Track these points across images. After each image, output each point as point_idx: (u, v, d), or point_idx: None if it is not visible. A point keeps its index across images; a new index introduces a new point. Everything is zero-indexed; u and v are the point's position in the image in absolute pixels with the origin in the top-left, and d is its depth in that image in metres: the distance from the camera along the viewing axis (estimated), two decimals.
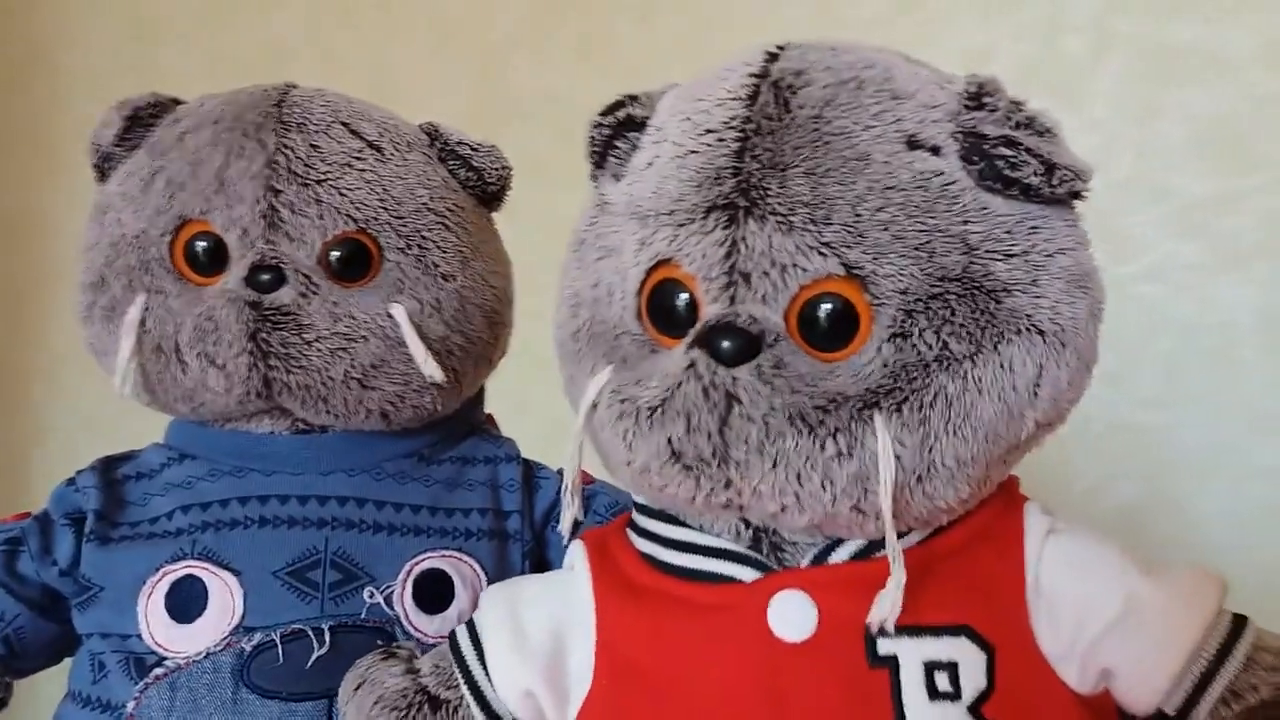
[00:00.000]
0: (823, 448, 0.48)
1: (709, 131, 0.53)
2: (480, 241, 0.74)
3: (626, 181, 0.57)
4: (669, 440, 0.50)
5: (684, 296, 0.53)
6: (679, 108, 0.55)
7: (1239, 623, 0.53)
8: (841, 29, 1.18)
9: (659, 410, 0.50)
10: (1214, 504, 1.10)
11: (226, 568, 0.66)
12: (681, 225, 0.53)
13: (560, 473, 0.76)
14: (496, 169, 0.74)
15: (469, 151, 0.74)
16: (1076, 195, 0.52)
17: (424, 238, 0.70)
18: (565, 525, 0.59)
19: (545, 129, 1.13)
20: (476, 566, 0.71)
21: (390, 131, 0.72)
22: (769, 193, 0.51)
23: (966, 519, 0.54)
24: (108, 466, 0.72)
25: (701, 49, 1.27)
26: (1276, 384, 1.08)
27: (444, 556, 0.70)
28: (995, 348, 0.50)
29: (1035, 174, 0.50)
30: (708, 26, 1.29)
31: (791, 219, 0.50)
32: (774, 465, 0.49)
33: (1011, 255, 0.51)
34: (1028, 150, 0.50)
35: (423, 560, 0.69)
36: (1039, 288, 0.51)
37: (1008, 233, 0.51)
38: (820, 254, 0.50)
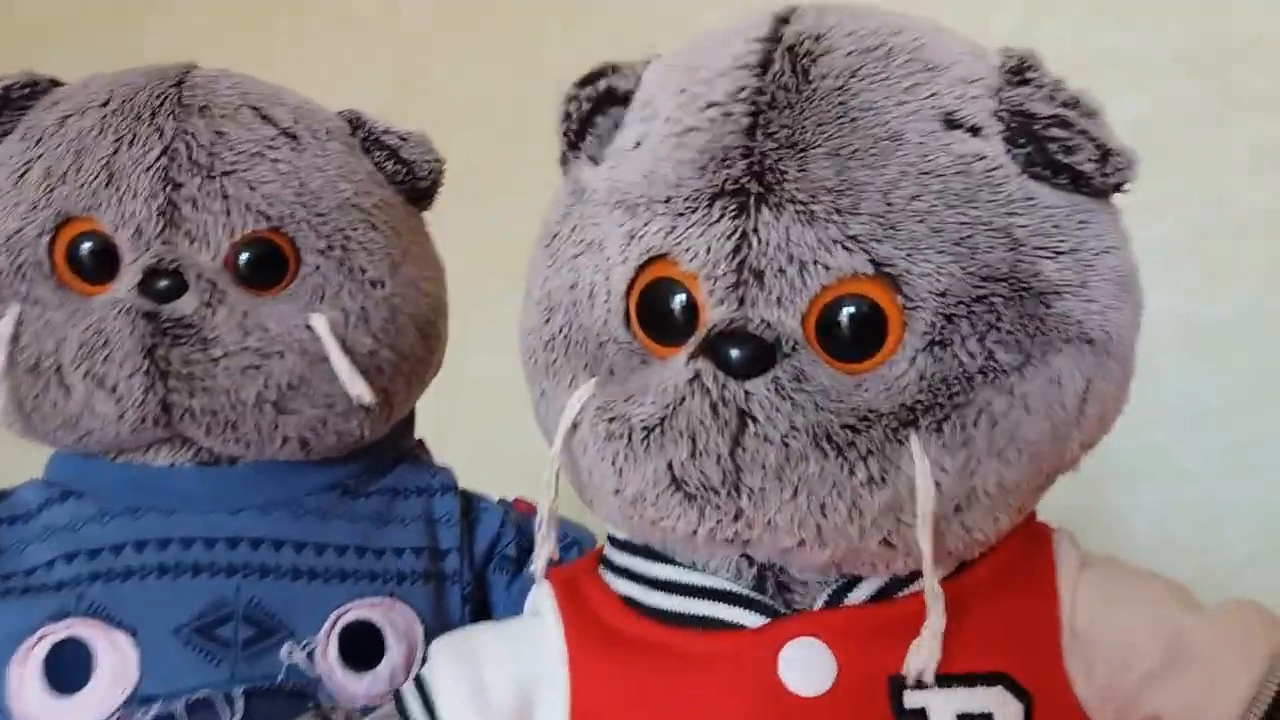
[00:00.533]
0: (852, 473, 0.42)
1: (712, 105, 0.45)
2: (411, 243, 0.65)
3: (608, 165, 0.49)
4: (669, 465, 0.43)
5: (682, 298, 0.46)
6: (672, 79, 0.48)
7: None
8: None
9: (657, 430, 0.43)
10: (1145, 509, 1.07)
11: (119, 626, 0.57)
12: (680, 214, 0.45)
13: (503, 503, 0.68)
14: (428, 162, 0.66)
15: (397, 142, 0.65)
16: (1120, 186, 0.46)
17: (347, 238, 0.61)
18: (539, 566, 0.51)
19: (466, 134, 1.06)
20: (411, 614, 0.62)
21: (307, 118, 0.63)
22: (787, 176, 0.43)
23: (993, 552, 0.48)
24: None
25: (629, 50, 1.20)
26: (1200, 388, 1.05)
27: (374, 605, 0.61)
28: (1044, 358, 0.44)
29: (1090, 159, 0.44)
30: (636, 25, 1.22)
31: (813, 207, 0.43)
32: (794, 494, 0.42)
33: (1060, 253, 0.44)
34: (1082, 133, 0.44)
35: (349, 610, 0.61)
36: (1089, 290, 0.45)
37: (1056, 227, 0.45)
38: (846, 249, 0.43)
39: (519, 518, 0.69)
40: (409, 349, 0.63)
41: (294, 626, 0.59)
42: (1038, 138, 0.44)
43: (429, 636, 0.62)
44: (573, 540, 0.68)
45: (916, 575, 0.46)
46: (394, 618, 0.61)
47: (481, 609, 0.66)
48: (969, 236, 0.43)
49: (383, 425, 0.64)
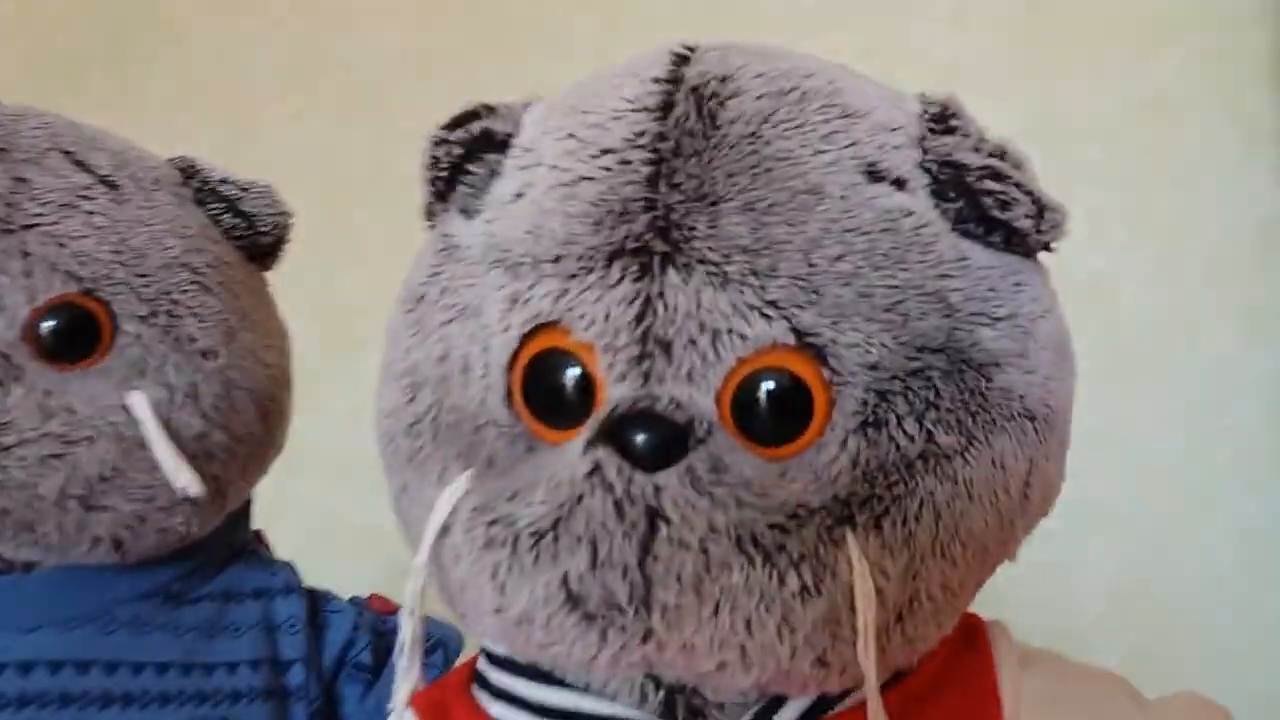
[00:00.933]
0: (783, 582, 0.35)
1: (606, 152, 0.40)
2: (250, 307, 0.57)
3: (484, 218, 0.42)
4: (564, 579, 0.35)
5: (575, 372, 0.39)
6: (557, 123, 0.42)
7: None
8: None
9: (549, 536, 0.36)
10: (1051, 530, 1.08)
11: None
12: (573, 276, 0.39)
13: (355, 602, 0.60)
14: (271, 215, 0.58)
15: (236, 193, 0.57)
16: (1050, 244, 0.42)
17: (175, 302, 0.53)
18: (401, 699, 0.43)
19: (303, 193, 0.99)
20: None
21: (131, 165, 0.55)
22: (696, 233, 0.38)
23: (929, 654, 0.42)
24: None
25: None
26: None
27: None
28: (988, 440, 0.39)
29: (1026, 215, 0.40)
30: (485, 87, 1.17)
31: (727, 269, 0.38)
32: (715, 610, 0.35)
33: (998, 319, 0.40)
34: (1017, 185, 0.40)
35: None
36: (1028, 360, 0.40)
37: (992, 290, 0.40)
38: (765, 316, 0.38)
39: (373, 619, 0.61)
40: (246, 429, 0.55)
41: None
42: (970, 191, 0.40)
43: None
44: (438, 641, 0.60)
45: (848, 691, 0.41)
46: None
47: None
48: (900, 302, 0.39)
49: (213, 519, 0.55)
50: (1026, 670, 0.45)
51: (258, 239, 0.59)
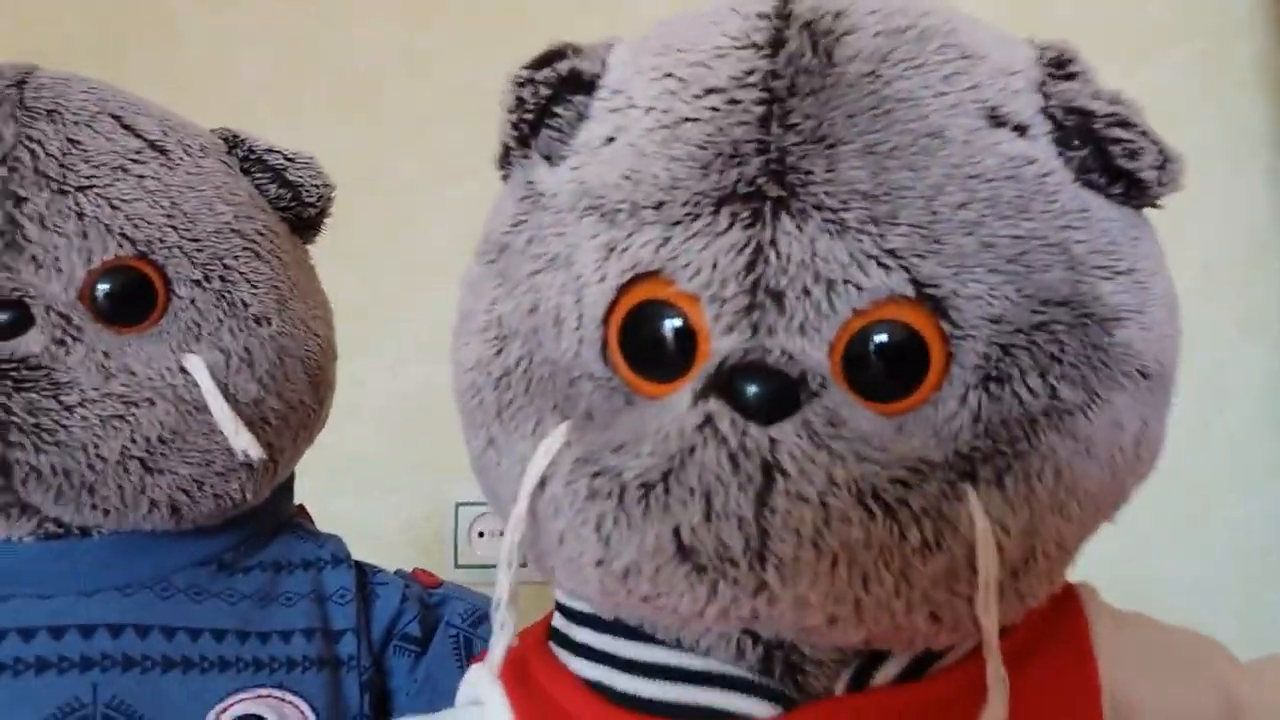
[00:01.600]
0: (904, 537, 0.34)
1: (712, 91, 0.38)
2: (298, 277, 0.57)
3: (571, 164, 0.41)
4: (676, 531, 0.34)
5: (676, 324, 0.38)
6: (650, 62, 0.40)
7: None
8: None
9: (659, 488, 0.35)
10: None
11: None
12: (677, 223, 0.38)
13: (401, 575, 0.60)
14: (316, 186, 0.58)
15: (282, 162, 0.57)
16: (1159, 200, 0.41)
17: (227, 267, 0.53)
18: (498, 654, 0.42)
19: None
20: (305, 708, 0.54)
21: (177, 131, 0.55)
22: (813, 177, 0.37)
23: (1027, 613, 0.41)
24: None
25: (475, 111, 1.16)
26: None
27: (261, 697, 0.52)
28: (1108, 396, 0.38)
29: (1152, 165, 0.39)
30: (477, 87, 1.17)
31: (844, 215, 0.36)
32: (834, 565, 0.34)
33: (1119, 273, 0.39)
34: (1144, 134, 0.39)
35: (233, 704, 0.52)
36: (1145, 316, 0.39)
37: (1113, 243, 0.39)
38: (882, 266, 0.36)
39: (420, 592, 0.61)
40: (298, 398, 0.55)
41: None
42: (1097, 139, 0.39)
43: None
44: (484, 614, 0.60)
45: (949, 648, 0.40)
46: (285, 711, 0.53)
47: (382, 697, 0.58)
48: (1024, 253, 0.37)
49: (267, 487, 0.55)
50: (1120, 630, 0.44)
51: (302, 210, 0.58)
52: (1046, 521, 0.37)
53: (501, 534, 1.00)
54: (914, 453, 0.35)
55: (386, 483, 1.08)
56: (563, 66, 0.42)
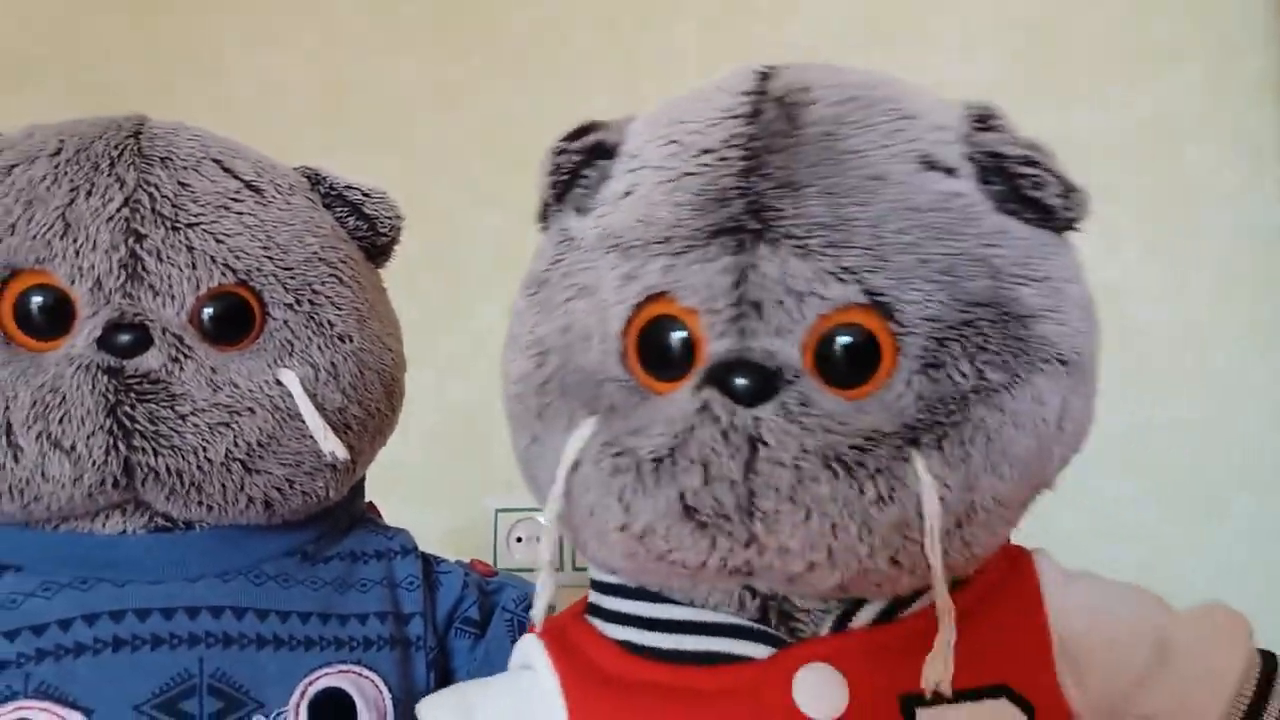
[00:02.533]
0: (862, 492, 0.43)
1: (706, 152, 0.48)
2: (374, 299, 0.64)
3: (596, 214, 0.51)
4: (681, 494, 0.43)
5: (680, 334, 0.47)
6: (659, 132, 0.50)
7: (1270, 661, 0.51)
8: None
9: (668, 459, 0.43)
10: (1070, 534, 1.13)
11: (74, 706, 0.53)
12: (678, 253, 0.47)
13: (461, 565, 0.67)
14: (389, 218, 0.65)
15: (360, 197, 0.64)
16: (1075, 222, 0.50)
17: (315, 292, 0.60)
18: (540, 611, 0.50)
19: None
20: (380, 682, 0.60)
21: (269, 171, 0.62)
22: (783, 213, 0.46)
23: (980, 571, 0.50)
24: None
25: (506, 141, 1.23)
26: None
27: (342, 672, 0.59)
28: (1028, 378, 0.46)
29: (1056, 195, 0.48)
30: (509, 118, 1.24)
31: (809, 242, 0.45)
32: (807, 515, 0.42)
33: (1035, 280, 0.47)
34: (1047, 170, 0.48)
35: (318, 678, 0.58)
36: (1061, 314, 0.48)
37: (1029, 256, 0.48)
38: (840, 280, 0.45)
39: (479, 579, 0.67)
40: (375, 405, 0.62)
41: (263, 697, 0.56)
42: (1009, 175, 0.48)
43: (396, 705, 0.60)
44: (526, 596, 0.67)
45: (917, 595, 0.48)
46: (363, 685, 0.59)
47: (446, 674, 0.64)
48: (953, 266, 0.46)
49: (345, 486, 0.62)
50: (1068, 584, 0.52)
51: (376, 239, 0.65)
52: (981, 480, 0.44)
53: (538, 539, 1.08)
54: (869, 425, 0.44)
55: (430, 491, 1.14)
56: (590, 139, 0.52)
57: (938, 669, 0.45)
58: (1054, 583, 0.52)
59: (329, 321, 0.60)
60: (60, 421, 0.53)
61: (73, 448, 0.53)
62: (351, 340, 0.60)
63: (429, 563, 0.66)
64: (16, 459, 0.53)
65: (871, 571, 0.44)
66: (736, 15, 1.24)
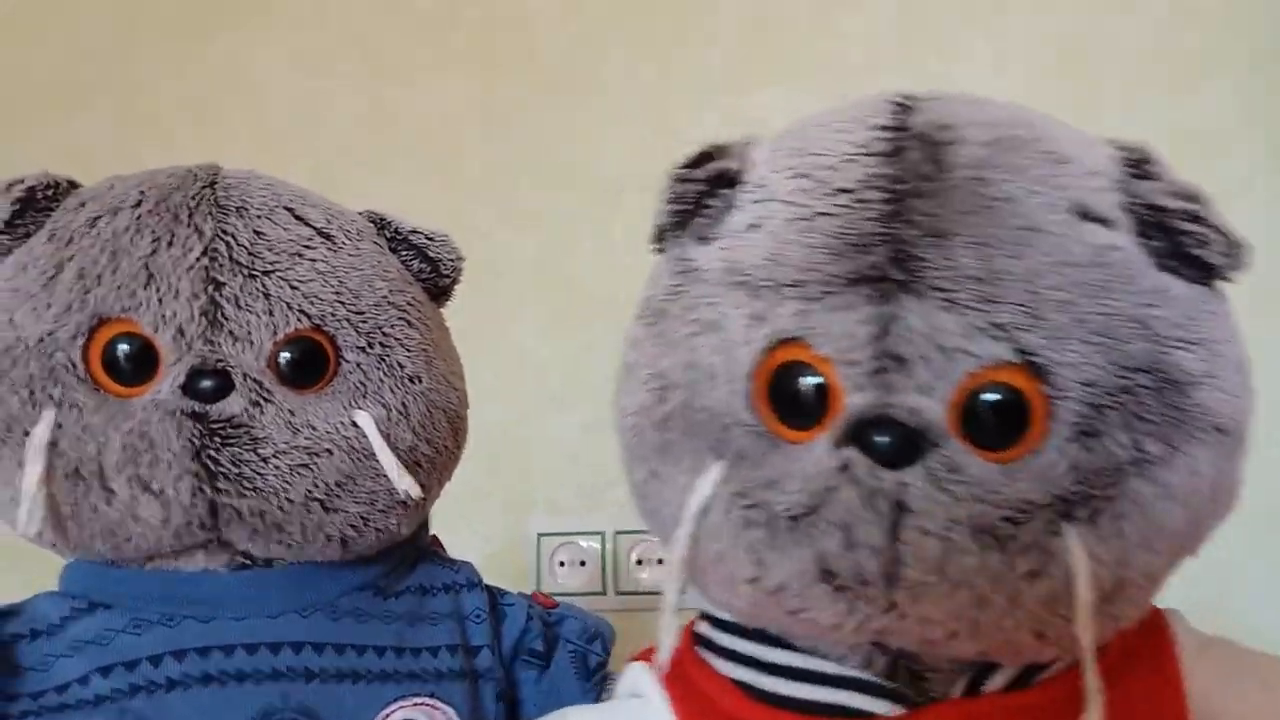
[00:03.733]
0: (1012, 567, 0.41)
1: (842, 191, 0.45)
2: (439, 339, 0.66)
3: (719, 245, 0.48)
4: (819, 556, 0.42)
5: (814, 381, 0.45)
6: (787, 163, 0.48)
7: None
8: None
9: (806, 520, 0.42)
10: None
11: None
12: (814, 299, 0.44)
13: (524, 597, 0.68)
14: (451, 260, 0.67)
15: (424, 241, 0.66)
16: (1231, 278, 0.47)
17: (385, 335, 0.62)
18: (665, 653, 0.50)
19: None
20: (452, 714, 0.62)
21: (339, 218, 0.64)
22: (929, 264, 0.43)
23: (1118, 635, 0.47)
24: None
25: (546, 162, 1.24)
26: None
27: (417, 704, 0.61)
28: (1186, 449, 0.44)
29: (1220, 253, 0.45)
30: (548, 139, 1.25)
31: (957, 295, 0.43)
32: (954, 588, 0.41)
33: (1194, 343, 0.44)
34: (1213, 227, 0.45)
35: (395, 710, 0.60)
36: (1219, 380, 0.45)
37: (1189, 318, 0.45)
38: (991, 337, 0.43)
39: (541, 612, 0.69)
40: (443, 443, 0.63)
41: None
42: (1170, 231, 0.45)
43: None
44: (596, 632, 0.69)
45: (1052, 661, 0.47)
46: (436, 716, 0.61)
47: (513, 705, 0.66)
48: (1110, 327, 0.43)
49: (414, 521, 0.64)
50: (1204, 651, 0.50)
51: (439, 280, 0.67)
52: (1134, 555, 0.43)
53: (581, 563, 1.09)
54: (1020, 495, 0.42)
55: (472, 515, 1.14)
56: (713, 166, 0.50)
57: None
58: (1190, 648, 0.50)
59: (399, 363, 0.61)
60: (149, 465, 0.55)
61: (161, 491, 0.55)
62: (420, 381, 0.62)
63: (494, 595, 0.68)
64: (109, 502, 0.55)
65: (1014, 643, 0.43)
66: (769, 34, 1.25)
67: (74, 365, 0.57)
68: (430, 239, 0.66)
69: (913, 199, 0.44)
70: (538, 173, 1.24)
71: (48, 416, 0.55)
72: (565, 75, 1.26)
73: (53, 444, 0.55)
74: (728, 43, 1.25)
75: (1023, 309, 0.43)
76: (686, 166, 0.50)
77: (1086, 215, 0.45)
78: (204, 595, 0.59)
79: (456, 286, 0.69)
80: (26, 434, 0.55)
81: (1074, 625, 0.42)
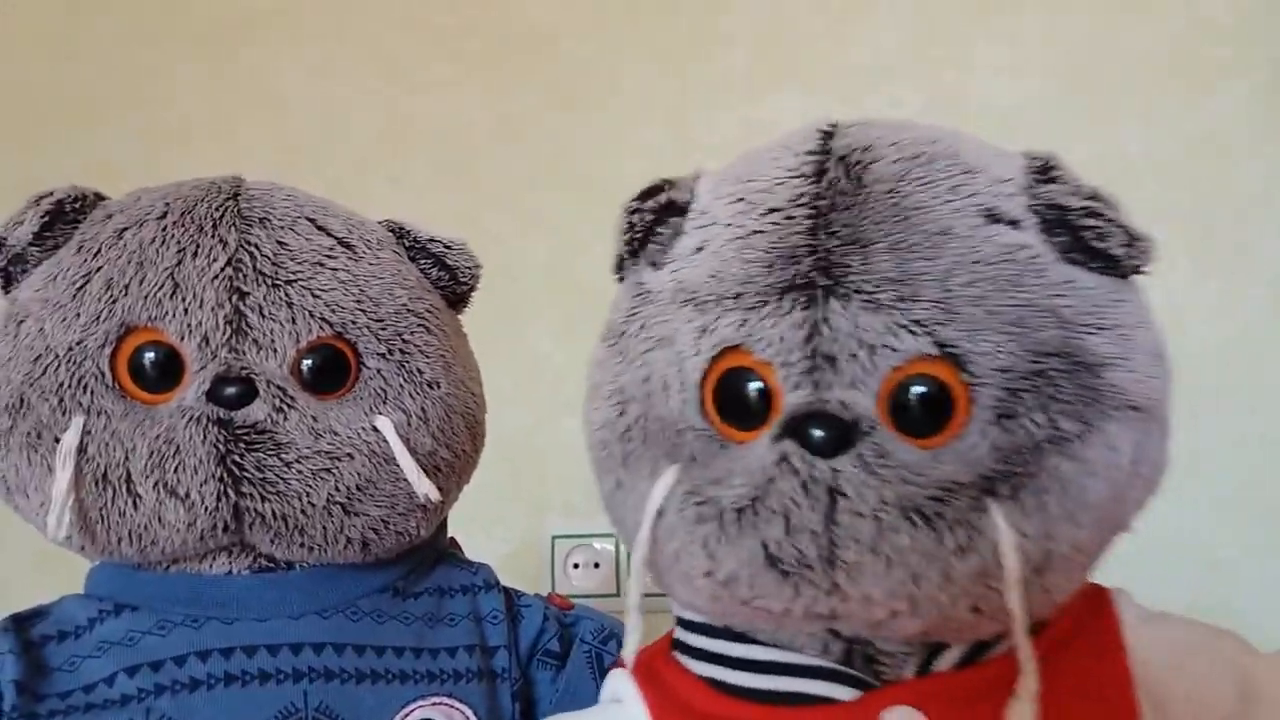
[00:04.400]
0: (941, 542, 0.44)
1: (773, 210, 0.50)
2: (457, 345, 0.67)
3: (670, 268, 0.53)
4: (764, 544, 0.44)
5: (756, 385, 0.49)
6: (726, 190, 0.52)
7: None
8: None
9: (749, 510, 0.45)
10: (1127, 557, 1.12)
11: None
12: (751, 309, 0.48)
13: (540, 598, 0.69)
14: (469, 268, 0.69)
15: (442, 249, 0.67)
16: (1141, 268, 0.51)
17: (405, 341, 0.63)
18: (630, 651, 0.53)
19: None
20: (469, 713, 0.63)
21: (359, 228, 0.65)
22: (851, 269, 0.47)
23: (1060, 612, 0.50)
24: (20, 626, 0.60)
25: (563, 170, 1.26)
26: None
27: (435, 704, 0.62)
28: (1101, 425, 0.47)
29: (1120, 244, 0.49)
30: (566, 148, 1.27)
31: (878, 296, 0.47)
32: (889, 565, 0.44)
33: (1103, 328, 0.48)
34: (1110, 220, 0.48)
35: (414, 710, 0.61)
36: (1131, 361, 0.48)
37: (1096, 305, 0.48)
38: (910, 333, 0.46)
39: (558, 613, 0.70)
40: (461, 447, 0.65)
41: None
42: (1072, 227, 0.48)
43: None
44: (610, 633, 0.70)
45: (999, 639, 0.49)
46: (454, 716, 0.62)
47: (529, 705, 0.67)
48: (1022, 317, 0.47)
49: (433, 524, 0.65)
50: (1147, 625, 0.52)
51: (456, 288, 0.69)
52: (1059, 527, 0.45)
53: (595, 565, 1.11)
54: (946, 476, 0.45)
55: (487, 517, 1.16)
56: (662, 198, 0.54)
57: (1022, 717, 0.46)
58: (1134, 624, 0.52)
59: (418, 369, 0.63)
60: (175, 470, 0.56)
61: (187, 495, 0.56)
62: (439, 386, 0.63)
63: (511, 596, 0.69)
64: (136, 506, 0.56)
65: (953, 619, 0.45)
66: (785, 44, 1.26)
67: (102, 373, 0.58)
68: (448, 247, 0.68)
69: (833, 213, 0.48)
70: (553, 181, 1.26)
71: (77, 423, 0.57)
72: (581, 85, 1.27)
73: (81, 450, 0.57)
74: (743, 50, 1.26)
75: (939, 305, 0.46)
76: (638, 199, 0.55)
77: (995, 218, 0.48)
78: (227, 597, 0.60)
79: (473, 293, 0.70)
80: (57, 440, 0.57)
81: (1006, 598, 0.44)
